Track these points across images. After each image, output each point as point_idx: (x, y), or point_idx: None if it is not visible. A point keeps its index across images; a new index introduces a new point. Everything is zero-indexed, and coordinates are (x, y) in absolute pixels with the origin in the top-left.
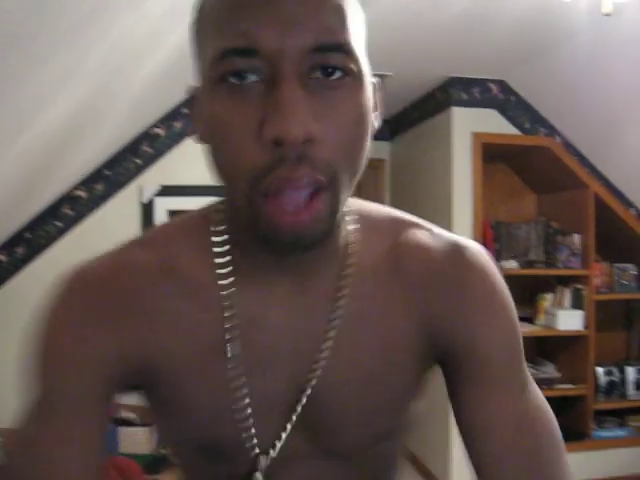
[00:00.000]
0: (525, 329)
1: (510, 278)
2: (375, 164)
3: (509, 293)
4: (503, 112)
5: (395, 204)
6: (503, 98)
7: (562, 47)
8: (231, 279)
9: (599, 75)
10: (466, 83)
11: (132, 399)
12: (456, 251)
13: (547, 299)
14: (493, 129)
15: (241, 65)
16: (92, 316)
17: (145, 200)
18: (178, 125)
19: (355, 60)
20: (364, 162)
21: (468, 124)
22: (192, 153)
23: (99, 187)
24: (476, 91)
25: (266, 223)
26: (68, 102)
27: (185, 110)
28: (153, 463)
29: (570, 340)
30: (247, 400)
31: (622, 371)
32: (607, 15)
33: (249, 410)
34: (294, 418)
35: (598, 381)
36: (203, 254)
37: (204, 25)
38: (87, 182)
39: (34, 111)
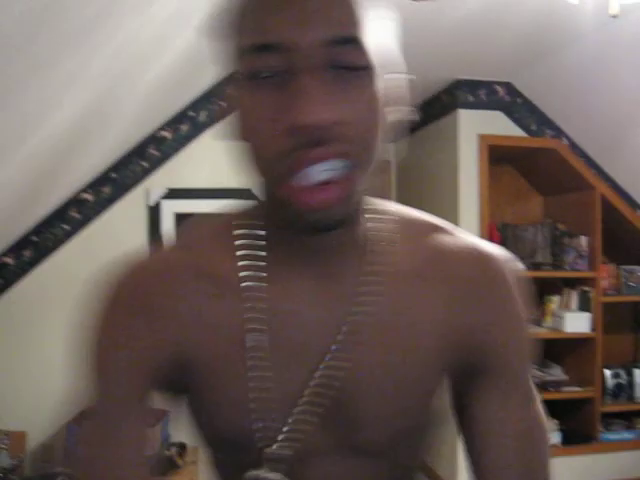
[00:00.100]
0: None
1: None
2: (381, 166)
3: (530, 299)
4: (509, 114)
5: None
6: (509, 100)
7: (569, 49)
8: (262, 274)
9: (606, 76)
10: (472, 85)
11: None
12: (485, 261)
13: (554, 301)
14: (499, 131)
15: (264, 61)
16: (141, 315)
17: (152, 203)
18: (185, 128)
19: (366, 54)
20: (377, 152)
21: (474, 126)
22: (199, 156)
23: (106, 190)
24: (482, 93)
25: (294, 198)
26: (74, 106)
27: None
28: (157, 464)
29: (577, 342)
30: (271, 394)
31: (630, 373)
32: (614, 17)
33: (273, 404)
34: (316, 412)
35: (605, 384)
36: (231, 254)
37: (229, 25)
38: (94, 185)
39: (40, 115)
